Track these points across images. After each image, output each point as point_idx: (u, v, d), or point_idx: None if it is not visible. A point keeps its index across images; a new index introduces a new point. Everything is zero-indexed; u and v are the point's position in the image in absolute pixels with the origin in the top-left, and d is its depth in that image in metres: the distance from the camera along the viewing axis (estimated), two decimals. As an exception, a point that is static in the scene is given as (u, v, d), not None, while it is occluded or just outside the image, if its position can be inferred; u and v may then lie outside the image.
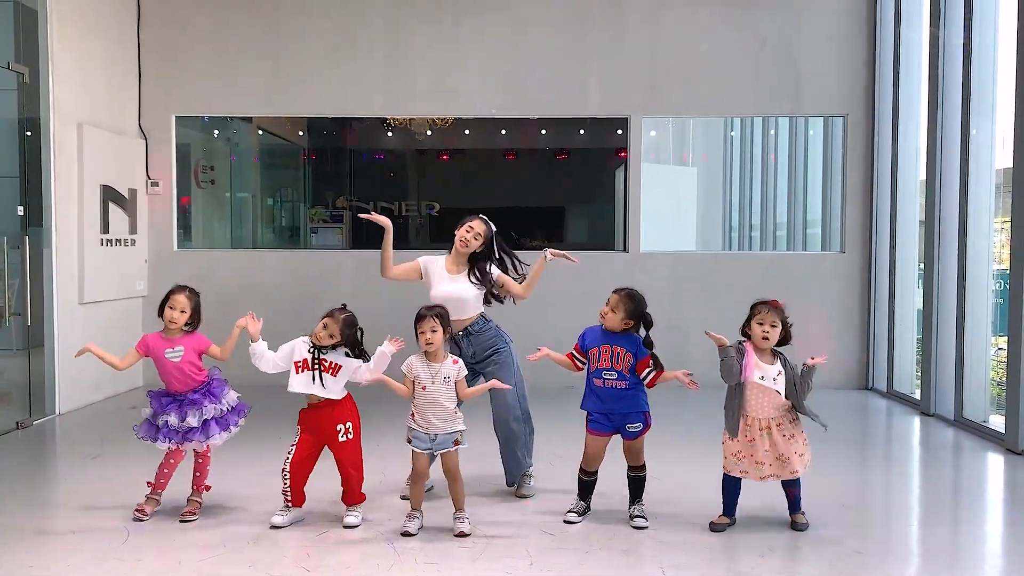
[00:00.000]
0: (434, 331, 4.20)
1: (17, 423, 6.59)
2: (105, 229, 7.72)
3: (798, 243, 11.31)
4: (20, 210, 6.69)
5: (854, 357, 8.61)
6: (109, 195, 7.76)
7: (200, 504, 4.50)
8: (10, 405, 6.82)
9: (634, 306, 4.33)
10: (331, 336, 4.33)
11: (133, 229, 8.25)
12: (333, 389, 4.35)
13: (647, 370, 4.32)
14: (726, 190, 14.37)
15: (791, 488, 4.36)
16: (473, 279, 4.80)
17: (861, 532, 4.43)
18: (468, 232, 4.84)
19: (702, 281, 8.48)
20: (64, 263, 7.15)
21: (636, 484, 4.46)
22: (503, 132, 14.87)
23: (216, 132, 11.89)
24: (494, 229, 4.92)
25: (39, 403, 6.97)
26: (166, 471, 4.47)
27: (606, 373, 4.33)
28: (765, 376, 4.24)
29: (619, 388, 4.33)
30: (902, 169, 8.12)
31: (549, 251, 4.85)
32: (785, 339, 4.30)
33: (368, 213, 4.99)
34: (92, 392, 7.46)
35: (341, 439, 4.37)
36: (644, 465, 4.45)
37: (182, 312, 4.39)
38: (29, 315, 6.64)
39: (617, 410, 4.34)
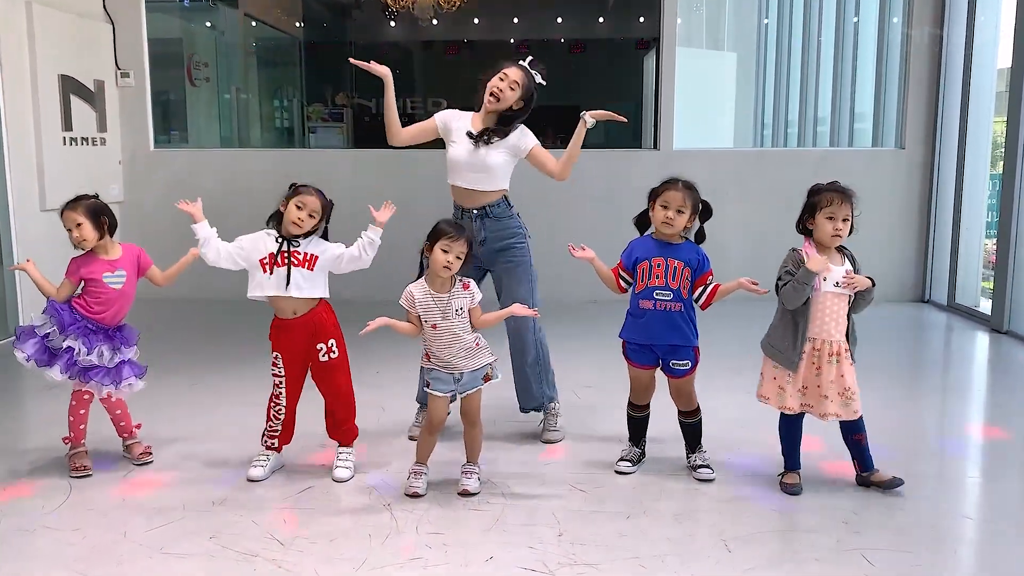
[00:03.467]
0: (459, 258, 3.28)
1: (-26, 346, 5.86)
2: (68, 126, 6.79)
3: (843, 140, 10.24)
4: (-41, 102, 5.78)
5: (910, 266, 7.71)
6: (70, 87, 6.81)
7: (147, 447, 3.81)
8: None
9: (697, 196, 3.45)
10: (312, 215, 3.47)
11: (102, 126, 7.31)
12: (309, 288, 3.50)
13: (702, 287, 3.47)
14: (758, 83, 13.20)
15: (858, 433, 3.48)
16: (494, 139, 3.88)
17: (961, 488, 3.66)
18: (502, 80, 3.86)
19: (743, 182, 7.54)
20: (20, 164, 6.26)
21: (691, 431, 3.67)
22: (515, 21, 13.66)
23: (208, 24, 10.81)
24: (538, 82, 3.94)
25: (0, 323, 6.22)
26: (82, 416, 3.70)
27: (659, 293, 3.44)
28: (839, 281, 3.34)
29: (672, 311, 3.45)
30: (978, 52, 7.03)
31: (588, 113, 3.81)
32: (849, 232, 3.39)
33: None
34: (62, 310, 6.67)
35: (323, 359, 3.55)
36: (698, 408, 3.64)
37: (78, 226, 3.52)
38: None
39: (662, 341, 3.49)
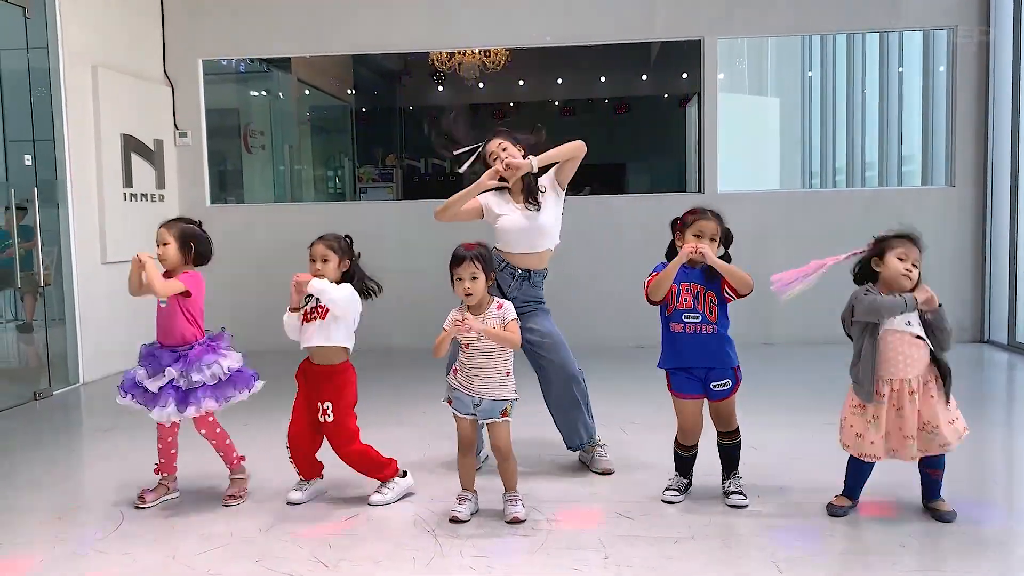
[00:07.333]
0: (475, 278, 3.33)
1: (35, 393, 6.02)
2: (128, 182, 7.07)
3: (892, 182, 10.15)
4: (28, 159, 6.06)
5: (967, 305, 7.51)
6: (131, 146, 7.11)
7: (245, 482, 3.80)
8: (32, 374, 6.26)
9: (722, 224, 3.45)
10: (324, 259, 3.55)
11: (161, 183, 7.60)
12: (318, 337, 3.56)
13: (723, 292, 3.45)
14: (804, 131, 13.21)
15: (934, 469, 3.36)
16: (536, 201, 3.96)
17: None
18: (496, 159, 3.92)
19: (791, 223, 7.47)
20: (83, 218, 6.53)
21: (728, 453, 3.60)
22: (559, 82, 13.92)
23: (264, 91, 11.23)
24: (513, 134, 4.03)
25: (60, 371, 6.40)
26: (161, 448, 3.75)
27: (688, 316, 3.44)
28: (911, 321, 3.29)
29: (703, 334, 3.43)
30: (1025, 86, 6.98)
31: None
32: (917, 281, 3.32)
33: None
34: (120, 360, 6.81)
35: (320, 419, 3.59)
36: (737, 430, 3.58)
37: (164, 245, 3.63)
38: (42, 275, 6.03)
39: (697, 364, 3.46)
